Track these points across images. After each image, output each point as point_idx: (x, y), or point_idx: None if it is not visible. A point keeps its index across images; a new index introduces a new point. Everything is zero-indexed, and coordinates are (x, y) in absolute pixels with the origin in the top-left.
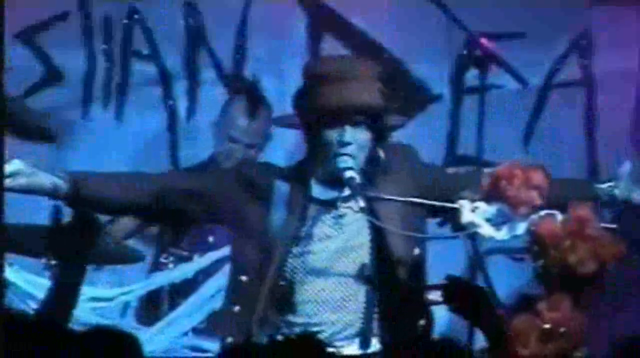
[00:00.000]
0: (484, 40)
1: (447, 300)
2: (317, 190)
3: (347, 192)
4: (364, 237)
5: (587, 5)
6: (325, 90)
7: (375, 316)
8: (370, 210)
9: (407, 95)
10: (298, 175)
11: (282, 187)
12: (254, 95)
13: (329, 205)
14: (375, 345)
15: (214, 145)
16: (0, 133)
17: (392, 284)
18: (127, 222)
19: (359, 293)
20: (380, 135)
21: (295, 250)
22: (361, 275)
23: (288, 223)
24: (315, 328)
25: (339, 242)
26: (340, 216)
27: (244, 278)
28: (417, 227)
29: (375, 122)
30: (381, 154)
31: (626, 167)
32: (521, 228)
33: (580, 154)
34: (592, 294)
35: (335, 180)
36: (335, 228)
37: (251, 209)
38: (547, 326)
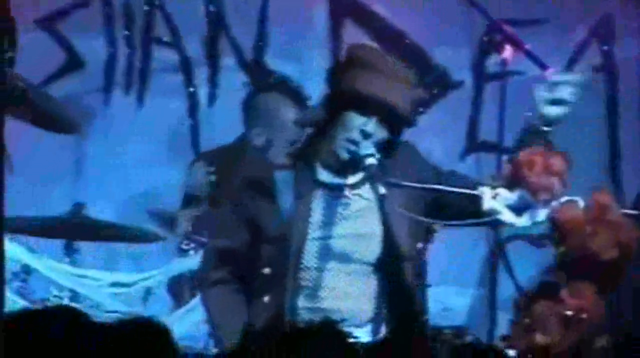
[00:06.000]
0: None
1: None
2: (323, 174)
3: (356, 178)
4: (373, 226)
5: None
6: (367, 78)
7: (385, 304)
8: (379, 203)
9: (429, 82)
10: (302, 159)
11: (283, 175)
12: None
13: (337, 190)
14: (385, 332)
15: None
16: (0, 128)
17: (396, 275)
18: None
19: (370, 281)
20: (392, 136)
21: (309, 235)
22: (371, 264)
23: (297, 209)
24: (325, 314)
25: (348, 229)
26: (349, 203)
27: (266, 270)
28: (419, 228)
29: (396, 125)
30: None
31: None
32: (542, 214)
33: (602, 140)
34: (614, 281)
35: (344, 166)
36: (343, 215)
37: (259, 205)
38: (568, 313)
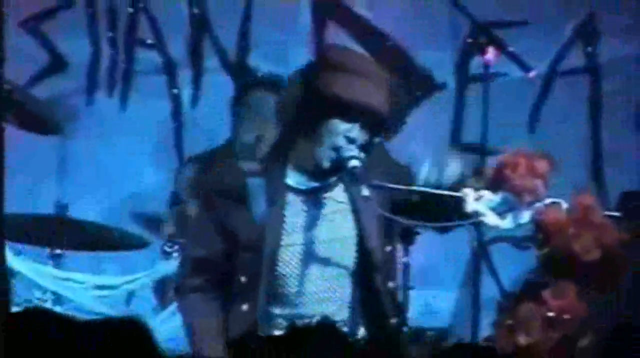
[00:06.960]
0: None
1: None
2: (295, 179)
3: (329, 181)
4: (347, 230)
5: None
6: (349, 83)
7: (359, 307)
8: (353, 206)
9: (412, 83)
10: (272, 163)
11: (255, 181)
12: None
13: (308, 194)
14: (361, 334)
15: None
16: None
17: (367, 278)
18: None
19: (346, 285)
20: (372, 140)
21: (283, 241)
22: (347, 268)
23: (270, 215)
24: (300, 320)
25: (323, 233)
26: (321, 206)
27: (242, 278)
28: (389, 229)
29: (379, 129)
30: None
31: None
32: (526, 216)
33: (585, 142)
34: (597, 282)
35: (323, 170)
36: (317, 219)
37: (232, 212)
38: (551, 314)
